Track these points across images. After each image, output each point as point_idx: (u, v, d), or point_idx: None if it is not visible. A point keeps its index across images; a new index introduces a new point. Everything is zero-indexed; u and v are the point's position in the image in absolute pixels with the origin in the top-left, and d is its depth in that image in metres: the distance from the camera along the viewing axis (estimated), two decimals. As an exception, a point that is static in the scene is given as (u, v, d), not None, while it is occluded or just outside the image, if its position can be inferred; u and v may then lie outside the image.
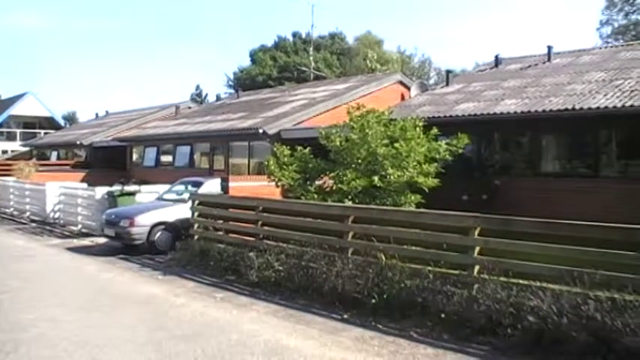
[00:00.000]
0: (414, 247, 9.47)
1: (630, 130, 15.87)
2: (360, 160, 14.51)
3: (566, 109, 15.70)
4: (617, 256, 7.42)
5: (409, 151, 14.17)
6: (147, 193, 19.47)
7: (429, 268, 8.88)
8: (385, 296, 9.03)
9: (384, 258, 9.42)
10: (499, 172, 17.43)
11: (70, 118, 74.58)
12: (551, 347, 7.18)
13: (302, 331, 8.43)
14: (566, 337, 7.04)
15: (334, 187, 14.58)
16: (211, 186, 17.31)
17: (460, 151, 15.20)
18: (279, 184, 15.24)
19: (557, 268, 7.66)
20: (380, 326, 8.53)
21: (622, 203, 14.37)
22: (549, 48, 22.83)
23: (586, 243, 7.70)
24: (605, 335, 6.81)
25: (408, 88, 26.24)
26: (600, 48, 26.35)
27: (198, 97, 65.51)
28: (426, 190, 14.28)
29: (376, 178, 13.99)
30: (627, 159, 15.99)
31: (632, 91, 15.90)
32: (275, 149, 15.88)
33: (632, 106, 14.68)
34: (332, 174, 14.86)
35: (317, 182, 15.31)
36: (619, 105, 14.95)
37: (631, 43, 30.18)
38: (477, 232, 8.77)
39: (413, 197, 14.25)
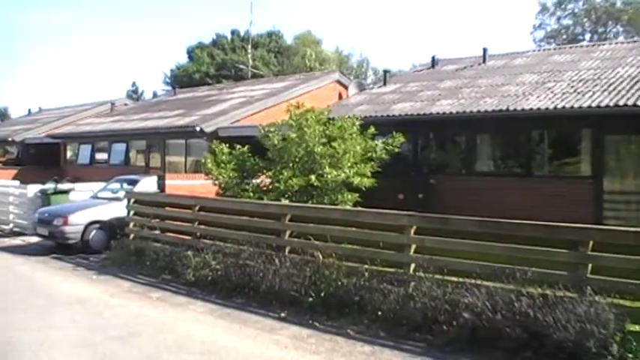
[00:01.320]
0: (350, 246, 9.53)
1: (561, 131, 16.31)
2: (297, 159, 14.52)
3: (501, 110, 16.01)
4: (548, 254, 7.63)
5: (346, 150, 14.25)
6: (81, 192, 19.11)
7: (366, 266, 8.97)
8: (322, 294, 9.07)
9: (321, 256, 9.45)
10: (435, 172, 17.65)
11: (2, 115, 72.63)
12: (486, 343, 7.32)
13: (239, 330, 8.40)
14: (500, 332, 7.19)
15: (272, 186, 14.58)
16: (147, 184, 17.12)
17: (396, 150, 15.35)
18: (216, 182, 15.14)
19: (492, 265, 7.82)
20: (317, 324, 8.56)
21: (554, 202, 14.73)
22: (484, 50, 23.24)
23: (519, 241, 7.90)
24: (537, 330, 6.98)
25: (346, 88, 26.35)
26: (534, 51, 26.87)
27: (134, 94, 64.56)
28: (363, 188, 14.39)
29: (313, 177, 14.02)
30: (558, 159, 16.41)
31: (563, 93, 16.31)
32: (213, 147, 15.78)
33: (563, 107, 15.07)
34: (269, 172, 14.84)
35: (255, 181, 15.27)
36: (551, 107, 15.32)
37: (563, 46, 30.94)
38: (412, 231, 8.88)
39: (350, 196, 14.34)
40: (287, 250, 10.28)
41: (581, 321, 6.69)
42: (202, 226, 12.33)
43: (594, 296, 6.90)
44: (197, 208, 12.42)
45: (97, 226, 15.13)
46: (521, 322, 7.09)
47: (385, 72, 24.76)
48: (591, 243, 7.40)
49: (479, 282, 7.80)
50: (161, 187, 16.98)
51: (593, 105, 14.73)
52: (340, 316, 8.77)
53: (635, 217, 14.44)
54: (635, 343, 6.49)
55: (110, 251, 13.94)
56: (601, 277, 7.17)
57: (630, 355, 6.39)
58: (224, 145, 15.48)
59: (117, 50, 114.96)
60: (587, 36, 47.56)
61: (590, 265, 7.33)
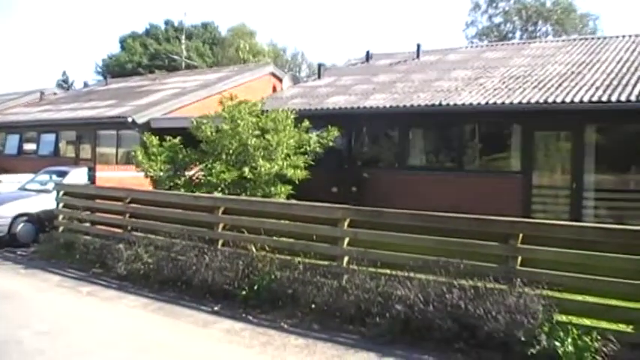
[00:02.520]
0: (284, 239, 9.51)
1: (492, 127, 16.59)
2: (231, 151, 14.42)
3: (434, 105, 16.17)
4: (479, 246, 7.75)
5: (279, 142, 14.21)
6: (8, 183, 18.60)
7: (300, 259, 8.96)
8: (256, 287, 9.03)
9: (254, 249, 9.42)
10: (368, 165, 17.73)
11: None
12: (418, 334, 7.40)
13: (172, 324, 8.30)
14: (432, 324, 7.27)
15: (204, 179, 14.43)
16: (77, 176, 16.77)
17: (330, 143, 15.39)
18: (147, 174, 14.91)
19: (424, 258, 7.90)
20: (250, 318, 8.53)
21: (485, 196, 14.98)
22: (418, 46, 23.48)
23: (451, 234, 8.01)
24: (468, 322, 7.09)
25: (280, 80, 26.28)
26: (466, 47, 27.32)
27: (64, 84, 63.05)
28: (297, 181, 14.37)
29: (246, 170, 13.94)
30: (489, 154, 16.69)
31: (494, 89, 16.59)
32: (144, 139, 15.53)
33: (494, 103, 15.32)
34: (202, 165, 14.69)
35: (187, 173, 15.10)
36: (483, 102, 15.55)
37: (495, 43, 31.47)
38: (346, 224, 8.91)
39: (283, 189, 14.31)
40: (220, 243, 10.21)
41: (511, 312, 6.82)
42: (134, 219, 12.14)
43: (523, 288, 7.04)
44: (128, 200, 12.22)
45: (25, 218, 14.73)
46: (452, 313, 7.19)
47: (319, 65, 24.77)
48: (521, 236, 7.55)
49: (411, 274, 7.87)
50: (92, 178, 16.65)
51: (524, 101, 15.02)
52: (274, 309, 8.75)
53: (563, 211, 14.80)
54: (562, 333, 6.64)
55: (39, 245, 13.62)
56: (530, 269, 7.31)
57: (558, 344, 6.53)
58: (156, 136, 15.24)
59: (47, 39, 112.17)
60: (518, 34, 48.58)
61: (519, 258, 7.48)
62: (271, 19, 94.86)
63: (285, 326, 8.15)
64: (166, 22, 61.66)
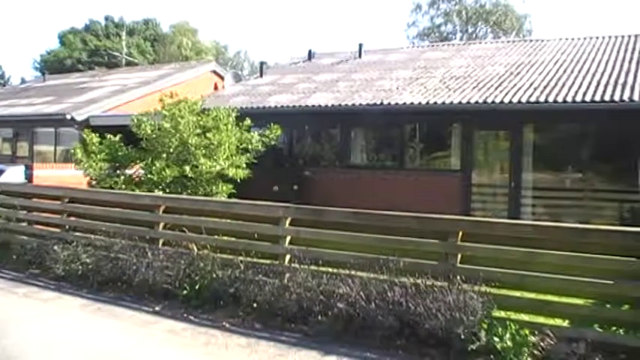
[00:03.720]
0: (225, 238, 9.45)
1: (433, 126, 16.82)
2: (171, 150, 14.29)
3: (375, 104, 16.31)
4: (420, 244, 7.82)
5: (221, 141, 14.14)
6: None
7: (241, 258, 8.89)
8: (197, 287, 8.93)
9: (195, 248, 9.32)
10: (310, 164, 17.77)
11: None
12: (360, 332, 7.42)
13: (111, 325, 8.15)
14: (374, 322, 7.30)
15: (145, 177, 14.26)
16: (14, 174, 16.39)
17: (273, 142, 15.39)
18: (87, 173, 14.66)
19: (365, 256, 7.93)
20: (192, 318, 8.43)
21: (425, 194, 15.16)
22: (360, 45, 23.65)
23: (391, 232, 8.06)
24: (410, 319, 7.13)
25: (222, 78, 26.16)
26: (408, 48, 27.61)
27: (0, 80, 61.61)
28: (239, 180, 14.32)
29: (187, 168, 13.84)
30: (430, 152, 16.92)
31: (435, 89, 16.81)
32: (84, 136, 15.26)
33: (435, 103, 15.53)
34: (143, 163, 14.52)
35: (127, 171, 14.90)
36: (423, 102, 15.75)
37: (435, 44, 31.89)
38: (287, 222, 8.90)
39: (225, 187, 14.25)
40: (161, 242, 10.07)
41: (451, 309, 6.90)
42: (72, 218, 11.89)
43: (463, 285, 7.13)
44: (66, 199, 11.97)
45: (-42, 218, 14.28)
46: (394, 311, 7.23)
47: (262, 63, 24.73)
48: (460, 233, 7.65)
49: (353, 272, 7.88)
50: (29, 177, 16.29)
51: (464, 101, 15.27)
52: (215, 308, 8.67)
53: (501, 209, 15.10)
54: (501, 329, 6.74)
55: (-28, 245, 13.23)
56: (470, 267, 7.41)
57: (497, 340, 6.63)
58: (96, 134, 15.00)
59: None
60: (458, 35, 49.22)
61: (459, 255, 7.57)
62: (214, 16, 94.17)
63: (227, 325, 8.09)
64: (106, 18, 60.67)
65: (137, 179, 14.65)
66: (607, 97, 13.82)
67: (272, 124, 15.49)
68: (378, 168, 17.31)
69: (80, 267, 10.38)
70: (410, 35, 51.58)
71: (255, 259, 8.88)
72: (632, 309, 7.00)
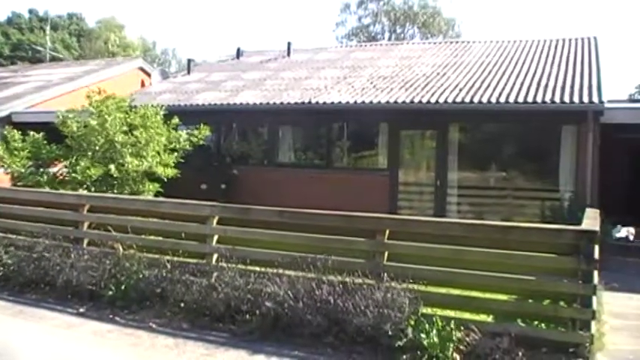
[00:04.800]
0: (152, 237, 9.33)
1: (360, 125, 16.93)
2: (97, 148, 14.05)
3: (303, 103, 16.34)
4: (347, 242, 7.89)
5: (148, 139, 13.97)
6: None
7: (168, 257, 8.79)
8: (123, 287, 8.78)
9: (121, 248, 9.16)
10: (238, 162, 17.67)
11: None
12: (289, 330, 7.43)
13: (35, 328, 7.94)
14: (302, 320, 7.32)
15: (69, 176, 13.97)
16: None
17: (201, 142, 15.29)
18: (8, 171, 14.27)
19: (293, 254, 7.94)
20: (118, 319, 8.29)
21: (353, 193, 15.26)
22: (289, 44, 23.64)
23: (319, 230, 8.10)
24: (338, 317, 7.18)
25: (149, 75, 25.74)
26: (336, 47, 27.73)
27: None
28: (166, 179, 14.17)
29: (113, 167, 13.62)
30: (358, 152, 17.04)
31: (363, 88, 16.95)
32: (5, 133, 14.85)
33: (362, 102, 15.66)
34: (67, 161, 14.22)
35: (51, 170, 14.56)
36: (351, 101, 15.86)
37: (364, 44, 32.14)
38: (215, 221, 8.85)
39: (151, 186, 14.10)
40: (85, 242, 9.86)
41: (378, 306, 6.97)
42: (-8, 218, 11.55)
43: (390, 282, 7.21)
44: (-14, 198, 11.63)
45: None
46: (322, 309, 7.27)
47: (189, 61, 24.48)
48: (387, 232, 7.74)
49: (281, 271, 7.89)
50: (-55, 175, 15.75)
51: (391, 101, 15.44)
52: (142, 309, 8.55)
53: (428, 207, 15.32)
54: (427, 325, 6.84)
55: None
56: (397, 264, 7.49)
57: (423, 336, 6.72)
58: (18, 131, 14.62)
59: None
60: (387, 35, 49.65)
61: (386, 253, 7.66)
62: (142, 12, 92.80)
63: (154, 326, 7.99)
64: (30, 11, 59.01)
65: (61, 177, 14.33)
66: (530, 99, 14.18)
67: (200, 123, 15.39)
68: (306, 167, 17.35)
69: (1, 268, 10.09)
70: (339, 35, 51.82)
71: (182, 259, 8.81)
72: (553, 304, 7.22)
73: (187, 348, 7.20)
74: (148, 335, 7.65)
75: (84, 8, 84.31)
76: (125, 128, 14.19)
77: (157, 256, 8.93)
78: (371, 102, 15.60)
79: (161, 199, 12.72)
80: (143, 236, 9.31)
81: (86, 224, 10.05)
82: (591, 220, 8.56)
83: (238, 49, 25.02)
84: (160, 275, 8.67)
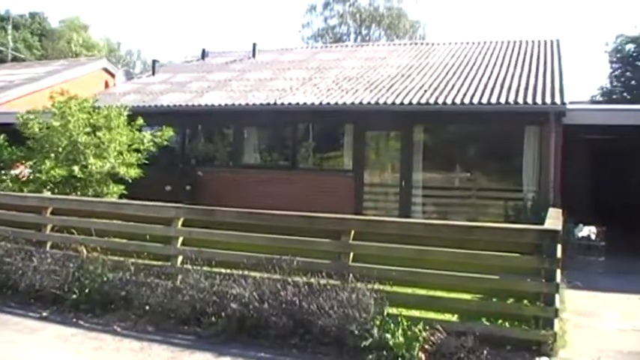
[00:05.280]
0: (116, 239, 9.26)
1: (326, 126, 16.98)
2: (60, 149, 13.89)
3: (268, 104, 16.32)
4: (313, 243, 7.91)
5: (111, 140, 13.86)
6: None
7: (132, 260, 8.73)
8: (87, 291, 8.69)
9: (85, 251, 9.07)
10: (203, 164, 17.59)
11: None
12: (254, 332, 7.42)
13: (-4, 333, 7.84)
14: (268, 321, 7.32)
15: (32, 177, 13.80)
16: None
17: (165, 143, 15.21)
18: (-32, 173, 14.07)
19: (258, 256, 7.93)
20: (82, 322, 8.20)
21: (318, 194, 15.29)
22: (254, 45, 23.59)
23: (284, 232, 8.12)
24: (303, 318, 7.19)
25: (113, 76, 25.50)
26: (302, 48, 27.75)
27: None
28: (130, 180, 14.07)
29: (77, 168, 13.49)
30: (323, 152, 17.07)
31: (328, 89, 16.98)
32: (-36, 135, 14.64)
33: (328, 103, 15.69)
34: (30, 163, 14.05)
35: (13, 172, 14.38)
36: (317, 102, 15.88)
37: (329, 45, 32.20)
38: (180, 223, 8.81)
39: (115, 188, 13.99)
40: (48, 245, 9.75)
41: (344, 307, 7.00)
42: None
43: (356, 283, 7.24)
44: (-55, 201, 11.42)
45: None
46: (287, 310, 7.28)
47: (154, 61, 24.33)
48: (352, 232, 7.77)
49: (246, 273, 7.88)
50: None
51: (356, 102, 15.50)
52: (106, 312, 8.47)
53: (393, 208, 15.40)
54: (393, 325, 6.88)
55: None
56: (362, 265, 7.53)
57: (389, 336, 6.75)
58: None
59: None
60: (352, 37, 49.73)
61: (351, 254, 7.69)
62: (106, 12, 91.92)
63: (119, 329, 7.92)
64: (-9, 10, 58.02)
65: (23, 179, 14.16)
66: (493, 100, 14.33)
67: (164, 124, 15.32)
68: (271, 168, 17.34)
69: (-39, 273, 9.90)
70: (304, 36, 51.76)
71: (147, 261, 8.73)
72: (517, 302, 7.31)
73: (152, 351, 7.16)
74: (113, 339, 7.58)
75: (47, 7, 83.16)
76: (88, 129, 14.06)
77: (121, 258, 8.87)
78: (336, 103, 15.64)
79: (125, 200, 12.63)
80: (107, 239, 9.24)
81: (49, 227, 9.94)
82: (554, 220, 8.66)
83: (203, 50, 24.91)
84: (125, 278, 8.60)
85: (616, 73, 33.94)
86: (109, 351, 7.18)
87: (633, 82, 32.41)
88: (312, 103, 15.85)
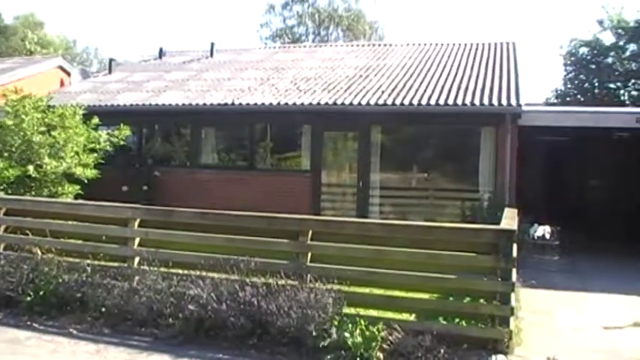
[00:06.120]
0: (72, 240, 9.15)
1: (284, 127, 17.00)
2: (14, 148, 13.68)
3: (226, 104, 16.24)
4: (271, 244, 7.92)
5: (67, 140, 13.68)
6: None
7: (88, 261, 8.63)
8: (42, 293, 8.55)
9: (39, 252, 8.94)
10: (160, 164, 17.44)
11: None
12: (212, 333, 7.41)
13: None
14: (226, 322, 7.30)
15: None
16: None
17: (122, 142, 15.06)
18: None
19: (216, 256, 7.91)
20: (36, 325, 8.08)
21: (277, 194, 15.28)
22: (212, 44, 23.44)
23: (242, 232, 8.11)
24: (262, 318, 7.20)
25: (69, 74, 25.13)
26: (260, 48, 27.68)
27: None
28: (86, 181, 13.90)
29: (31, 168, 13.30)
30: (281, 153, 17.07)
31: (286, 90, 16.96)
32: None
33: (286, 104, 15.68)
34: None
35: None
36: (274, 102, 15.85)
37: (287, 45, 32.17)
38: (136, 224, 8.74)
39: (71, 188, 13.81)
40: (2, 246, 9.59)
41: (302, 307, 7.02)
42: None
43: (314, 283, 7.27)
44: None
45: None
46: (245, 311, 7.27)
47: (111, 60, 24.02)
48: (310, 233, 7.79)
49: (204, 273, 7.85)
50: None
51: (314, 102, 15.51)
52: (61, 314, 8.35)
53: (350, 208, 15.46)
54: (351, 325, 6.91)
55: None
56: (320, 265, 7.56)
57: (347, 335, 6.79)
58: None
59: None
60: (311, 37, 49.73)
61: (309, 254, 7.71)
62: (62, 10, 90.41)
63: (74, 332, 7.82)
64: (-60, 8, 56.83)
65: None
66: (450, 101, 14.47)
67: (121, 124, 15.15)
68: (229, 168, 17.28)
69: None
70: (263, 36, 51.58)
71: (103, 262, 8.65)
72: (473, 301, 7.40)
73: (109, 354, 7.09)
74: (69, 341, 7.49)
75: (0, 4, 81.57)
76: (43, 128, 13.87)
77: (77, 260, 8.76)
78: (294, 103, 15.64)
79: (81, 201, 12.48)
80: (62, 240, 9.12)
81: (2, 228, 9.79)
82: (509, 220, 8.79)
83: (161, 49, 24.68)
84: (80, 280, 8.50)
85: (570, 75, 34.50)
86: (64, 354, 7.09)
87: (587, 85, 33.06)
88: (270, 104, 15.83)
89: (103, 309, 8.15)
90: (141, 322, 7.87)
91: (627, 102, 31.34)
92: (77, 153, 14.01)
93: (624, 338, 8.09)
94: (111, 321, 8.02)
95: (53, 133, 13.78)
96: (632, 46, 31.96)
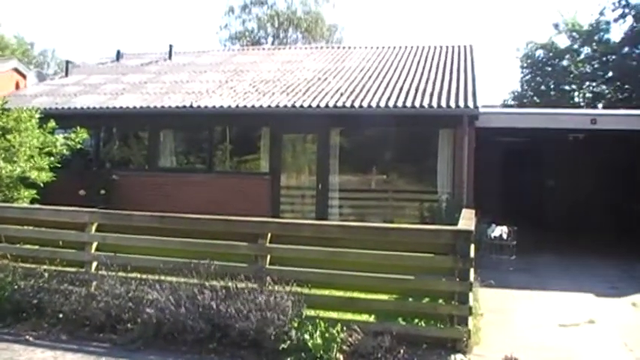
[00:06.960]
0: (28, 246, 9.01)
1: (243, 129, 16.99)
2: (-34, 153, 13.46)
3: (184, 107, 16.18)
4: (229, 247, 7.90)
5: (22, 143, 13.50)
6: None
7: (45, 267, 8.51)
8: (-4, 300, 8.45)
9: (-6, 259, 8.81)
10: (118, 167, 17.30)
11: None
12: (171, 337, 7.35)
13: None
14: (185, 326, 7.27)
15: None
16: None
17: (79, 146, 14.89)
18: None
19: (174, 260, 7.87)
20: (-9, 333, 7.97)
21: (236, 197, 15.26)
22: (170, 47, 23.32)
23: (201, 235, 8.09)
24: (221, 322, 7.18)
25: (25, 77, 24.76)
26: (219, 51, 27.58)
27: None
28: (42, 185, 13.72)
29: (-15, 173, 13.09)
30: (240, 155, 17.04)
31: (245, 92, 16.94)
32: None
33: (245, 106, 15.66)
34: None
35: None
36: (233, 105, 15.83)
37: (246, 48, 32.12)
38: (94, 228, 8.65)
39: (27, 193, 13.62)
40: (-45, 253, 9.42)
41: (261, 310, 7.02)
42: None
43: (274, 286, 7.27)
44: None
45: None
46: (204, 314, 7.25)
47: (67, 62, 23.73)
48: (269, 235, 7.79)
49: (163, 277, 7.81)
50: None
51: (272, 105, 15.53)
52: (17, 321, 8.22)
53: (309, 210, 15.50)
54: (311, 327, 6.94)
55: None
56: (279, 267, 7.57)
57: (307, 337, 6.81)
58: None
59: None
60: (270, 40, 49.66)
61: (268, 257, 7.71)
62: (19, 11, 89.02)
63: (31, 339, 7.70)
64: None
65: None
66: (408, 104, 14.59)
67: (78, 127, 14.97)
68: (187, 171, 17.20)
69: None
70: (222, 38, 51.31)
71: (60, 268, 8.54)
72: (432, 302, 7.48)
73: (66, 361, 7.02)
74: (25, 349, 7.38)
75: (-48, 6, 79.93)
76: (-2, 132, 13.67)
77: (33, 265, 8.64)
78: (253, 106, 15.63)
79: (37, 206, 12.30)
80: (18, 245, 8.98)
81: (-45, 234, 9.59)
82: (467, 221, 8.88)
83: (118, 52, 24.45)
84: (37, 286, 8.39)
85: (526, 78, 35.04)
86: (21, 362, 7.00)
87: (543, 87, 33.57)
88: (229, 106, 15.80)
89: (61, 315, 8.05)
90: (99, 327, 7.79)
91: (582, 104, 31.97)
92: (32, 157, 13.81)
93: (580, 335, 8.24)
94: (68, 327, 7.93)
95: (8, 136, 13.58)
96: (586, 49, 32.58)
